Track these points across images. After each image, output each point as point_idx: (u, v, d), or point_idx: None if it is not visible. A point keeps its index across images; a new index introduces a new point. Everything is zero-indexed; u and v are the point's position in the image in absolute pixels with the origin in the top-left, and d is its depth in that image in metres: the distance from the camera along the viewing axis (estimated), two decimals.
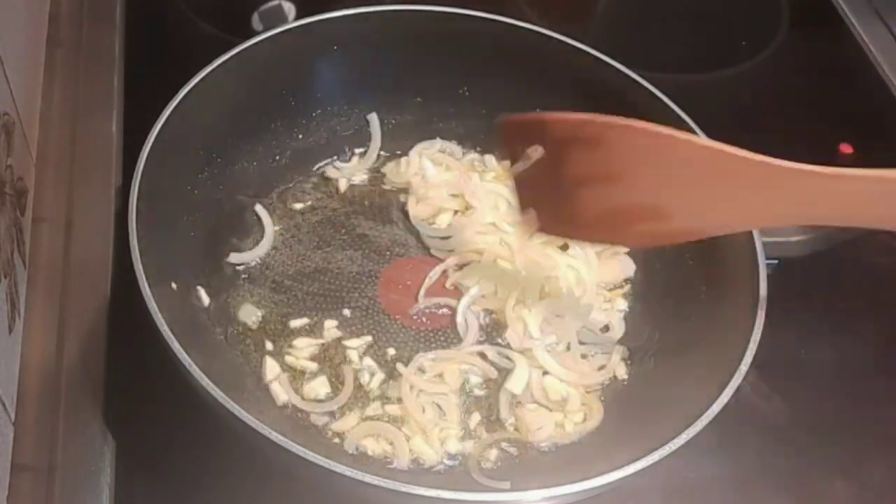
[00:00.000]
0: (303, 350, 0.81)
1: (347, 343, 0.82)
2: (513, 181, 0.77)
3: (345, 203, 0.93)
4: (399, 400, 0.78)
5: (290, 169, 0.93)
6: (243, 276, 0.85)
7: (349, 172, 0.95)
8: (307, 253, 0.88)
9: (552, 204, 0.74)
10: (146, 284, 0.67)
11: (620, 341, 0.85)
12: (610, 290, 0.88)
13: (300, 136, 0.93)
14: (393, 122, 0.97)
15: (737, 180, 0.64)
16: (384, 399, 0.79)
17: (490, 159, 0.96)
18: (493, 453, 0.77)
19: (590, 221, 0.71)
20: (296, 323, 0.83)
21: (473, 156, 0.97)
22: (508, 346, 0.83)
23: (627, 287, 0.88)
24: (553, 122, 0.71)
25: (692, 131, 0.84)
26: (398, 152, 0.96)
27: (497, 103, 0.94)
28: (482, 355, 0.82)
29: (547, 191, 0.74)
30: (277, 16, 1.14)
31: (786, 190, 0.63)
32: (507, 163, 0.77)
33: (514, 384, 0.80)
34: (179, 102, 0.79)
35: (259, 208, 0.89)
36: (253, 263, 0.86)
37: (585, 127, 0.69)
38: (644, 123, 0.67)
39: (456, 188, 0.92)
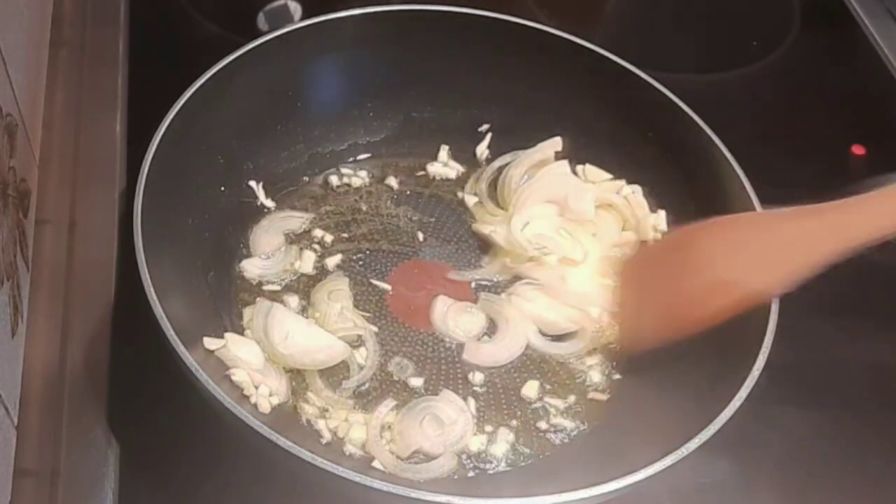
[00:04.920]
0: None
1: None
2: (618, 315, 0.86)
3: (353, 206, 0.92)
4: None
5: (296, 170, 0.93)
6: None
7: (357, 173, 0.95)
8: (314, 255, 0.88)
9: (647, 315, 0.83)
10: (151, 287, 0.67)
11: None
12: None
13: (306, 138, 0.93)
14: (400, 121, 0.96)
15: (778, 232, 0.76)
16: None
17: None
18: (502, 451, 0.77)
19: (677, 316, 0.79)
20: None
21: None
22: None
23: None
24: (652, 244, 0.88)
25: (702, 131, 0.83)
26: (405, 153, 0.96)
27: (507, 104, 0.95)
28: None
29: (645, 306, 0.84)
30: (283, 15, 1.14)
31: (843, 223, 0.73)
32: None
33: None
34: (184, 104, 0.79)
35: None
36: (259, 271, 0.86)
37: (672, 237, 0.85)
38: (714, 219, 0.79)
39: None
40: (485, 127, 0.96)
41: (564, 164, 0.92)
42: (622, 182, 0.92)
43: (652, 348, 0.81)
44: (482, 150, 0.96)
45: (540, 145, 0.93)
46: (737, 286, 0.75)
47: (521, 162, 0.92)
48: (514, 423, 0.79)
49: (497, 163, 0.95)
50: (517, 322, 0.84)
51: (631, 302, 0.85)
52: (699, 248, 0.79)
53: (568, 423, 0.79)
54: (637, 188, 0.91)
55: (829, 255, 0.72)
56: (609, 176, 0.92)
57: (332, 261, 0.87)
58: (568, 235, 0.90)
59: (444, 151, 0.96)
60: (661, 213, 0.89)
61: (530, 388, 0.81)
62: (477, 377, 0.81)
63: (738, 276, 0.76)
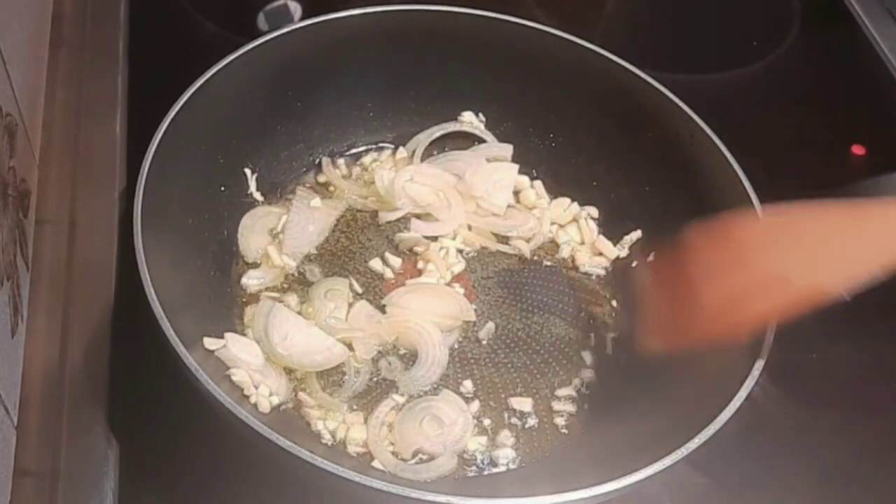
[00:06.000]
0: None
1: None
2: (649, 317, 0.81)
3: (352, 207, 0.93)
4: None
5: (296, 170, 0.93)
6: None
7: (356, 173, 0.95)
8: (312, 255, 0.88)
9: (676, 313, 0.76)
10: (151, 287, 0.67)
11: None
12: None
13: (306, 138, 0.93)
14: (399, 122, 0.97)
15: (855, 227, 0.67)
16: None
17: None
18: (501, 451, 0.77)
19: (714, 312, 0.72)
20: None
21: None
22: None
23: (630, 291, 0.88)
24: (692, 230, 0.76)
25: (702, 131, 0.83)
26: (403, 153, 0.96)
27: (507, 104, 0.95)
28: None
29: (680, 301, 0.75)
30: (283, 16, 1.14)
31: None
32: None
33: None
34: (184, 104, 0.79)
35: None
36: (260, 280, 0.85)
37: (713, 230, 0.74)
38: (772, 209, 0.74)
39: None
40: (482, 127, 0.97)
41: (513, 167, 0.94)
42: (573, 204, 0.94)
43: (688, 349, 0.76)
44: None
45: (491, 144, 0.96)
46: (793, 281, 0.68)
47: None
48: (513, 423, 0.79)
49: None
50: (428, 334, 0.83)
51: (663, 303, 0.79)
52: (743, 239, 0.72)
53: (567, 423, 0.79)
54: (593, 210, 0.93)
55: None
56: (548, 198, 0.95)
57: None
58: (446, 200, 0.90)
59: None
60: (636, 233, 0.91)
61: (524, 403, 0.81)
62: (467, 385, 0.81)
63: (793, 270, 0.68)
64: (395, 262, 0.88)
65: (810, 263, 0.68)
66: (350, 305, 0.83)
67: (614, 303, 0.89)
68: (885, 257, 0.65)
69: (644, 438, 0.72)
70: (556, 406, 0.80)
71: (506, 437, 0.78)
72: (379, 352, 0.81)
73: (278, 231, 0.88)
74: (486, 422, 0.79)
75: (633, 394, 0.81)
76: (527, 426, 0.79)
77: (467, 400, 0.79)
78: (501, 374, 0.82)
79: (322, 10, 0.89)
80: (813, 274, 0.68)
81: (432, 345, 0.81)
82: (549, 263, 0.91)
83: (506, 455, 0.77)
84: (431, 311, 0.83)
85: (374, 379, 0.80)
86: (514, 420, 0.79)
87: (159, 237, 0.72)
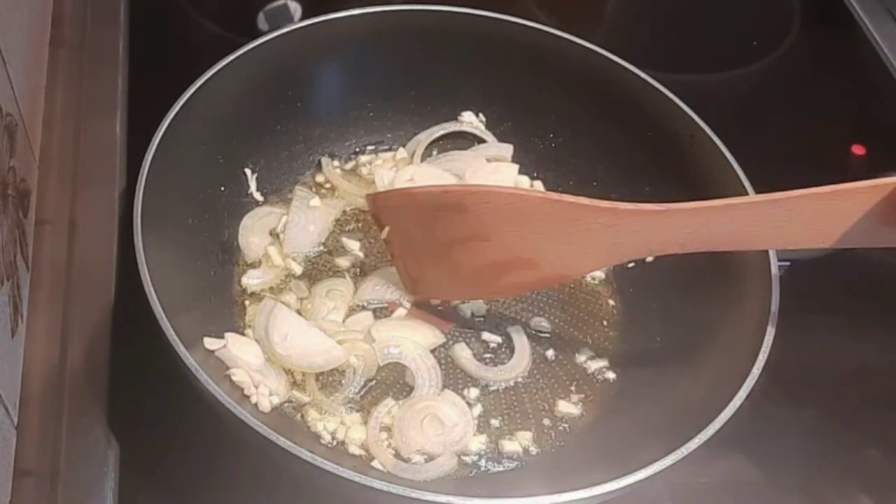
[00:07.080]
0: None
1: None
2: (390, 253, 0.84)
3: (351, 207, 0.92)
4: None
5: (296, 170, 0.93)
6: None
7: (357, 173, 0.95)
8: (312, 256, 0.88)
9: (429, 268, 0.82)
10: (151, 287, 0.67)
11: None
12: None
13: (306, 138, 0.93)
14: (399, 122, 0.97)
15: (583, 225, 0.72)
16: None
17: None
18: (501, 451, 0.77)
19: (465, 279, 0.80)
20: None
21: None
22: None
23: (630, 291, 0.88)
24: (419, 193, 0.80)
25: (702, 131, 0.84)
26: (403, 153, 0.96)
27: (507, 104, 0.95)
28: None
29: (423, 257, 0.81)
30: (283, 15, 1.14)
31: (627, 229, 0.71)
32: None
33: None
34: (184, 104, 0.79)
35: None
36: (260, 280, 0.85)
37: (447, 195, 0.77)
38: (499, 187, 0.78)
39: None
40: (482, 127, 0.97)
41: (513, 167, 0.94)
42: None
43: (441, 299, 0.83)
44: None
45: (491, 144, 0.96)
46: (537, 265, 0.75)
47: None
48: (514, 424, 0.79)
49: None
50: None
51: (400, 246, 0.82)
52: (478, 215, 0.74)
53: (567, 424, 0.79)
54: None
55: (634, 256, 0.74)
56: None
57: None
58: None
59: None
60: None
61: (524, 404, 0.81)
62: (472, 392, 0.81)
63: (538, 256, 0.75)
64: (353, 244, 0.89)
65: (550, 252, 0.74)
66: (352, 311, 0.84)
67: (612, 302, 0.89)
68: (615, 256, 0.74)
69: (644, 438, 0.72)
70: (556, 407, 0.80)
71: (505, 437, 0.78)
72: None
73: (279, 231, 0.88)
74: (487, 422, 0.79)
75: (632, 394, 0.81)
76: (526, 427, 0.79)
77: (470, 403, 0.79)
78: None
79: (322, 10, 0.89)
80: (553, 262, 0.75)
81: (425, 370, 0.81)
82: None
83: (506, 455, 0.77)
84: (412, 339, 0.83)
85: (374, 381, 0.80)
86: (513, 421, 0.79)
87: (159, 237, 0.72)
